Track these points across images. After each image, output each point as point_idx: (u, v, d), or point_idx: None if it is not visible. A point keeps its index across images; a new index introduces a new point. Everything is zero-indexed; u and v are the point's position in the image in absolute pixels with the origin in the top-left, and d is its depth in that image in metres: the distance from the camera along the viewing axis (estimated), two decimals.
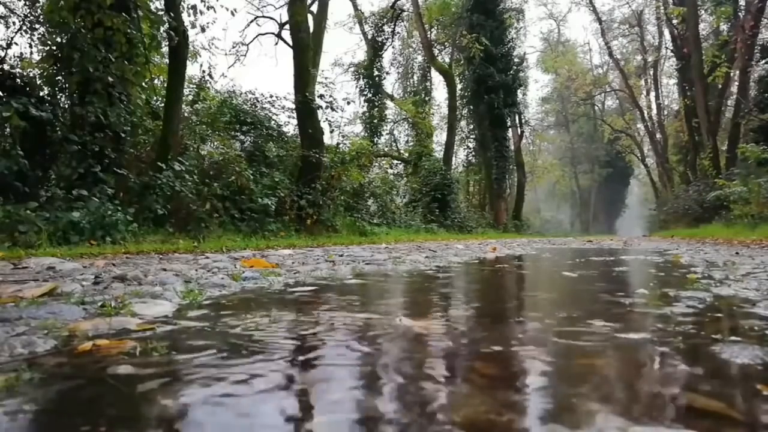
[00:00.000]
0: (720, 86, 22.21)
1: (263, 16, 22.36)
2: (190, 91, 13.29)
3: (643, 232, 35.16)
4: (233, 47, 22.26)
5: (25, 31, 8.72)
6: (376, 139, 25.34)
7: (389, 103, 28.46)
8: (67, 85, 8.06)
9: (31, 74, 8.29)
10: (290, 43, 14.23)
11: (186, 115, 11.48)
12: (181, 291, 2.11)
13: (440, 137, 30.70)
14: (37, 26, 8.75)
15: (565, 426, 0.74)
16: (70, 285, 2.28)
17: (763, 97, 18.29)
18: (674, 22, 25.88)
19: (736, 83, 22.34)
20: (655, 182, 37.94)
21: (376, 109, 26.25)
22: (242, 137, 13.53)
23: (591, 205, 54.58)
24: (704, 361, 1.12)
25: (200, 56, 14.40)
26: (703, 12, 24.45)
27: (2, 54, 8.14)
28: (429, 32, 26.37)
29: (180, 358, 1.13)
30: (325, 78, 15.82)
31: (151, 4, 9.15)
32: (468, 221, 22.69)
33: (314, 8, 16.69)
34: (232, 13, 11.08)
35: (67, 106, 8.13)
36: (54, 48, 7.96)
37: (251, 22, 22.43)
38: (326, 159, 12.67)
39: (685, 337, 1.35)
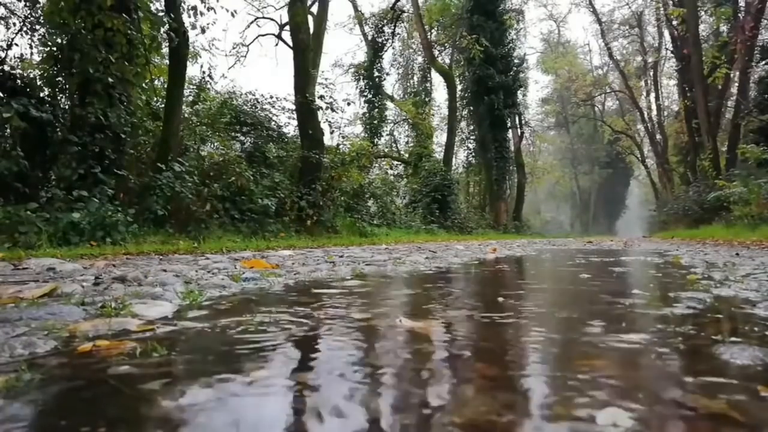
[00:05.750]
0: (720, 87, 22.19)
1: (263, 17, 22.42)
2: (190, 92, 13.31)
3: (643, 233, 35.14)
4: (233, 48, 22.38)
5: (26, 32, 8.73)
6: (376, 139, 25.37)
7: (389, 104, 28.49)
8: (67, 86, 8.07)
9: (31, 75, 8.30)
10: (290, 44, 14.25)
11: (186, 116, 11.49)
12: (181, 292, 2.11)
13: (440, 138, 30.76)
14: (37, 27, 8.76)
15: (565, 426, 0.74)
16: (70, 286, 2.28)
17: (762, 98, 18.29)
18: (674, 23, 25.86)
19: (736, 84, 22.34)
20: (655, 183, 37.92)
21: (376, 110, 26.29)
22: (242, 138, 13.56)
23: (591, 206, 54.62)
24: (704, 362, 1.13)
25: (200, 57, 14.42)
26: (703, 13, 24.43)
27: (3, 55, 8.15)
28: (429, 33, 26.38)
29: (180, 359, 1.13)
30: (326, 79, 15.80)
31: (151, 5, 9.16)
32: (468, 222, 22.69)
33: (314, 9, 16.71)
34: (233, 15, 11.10)
35: (67, 107, 8.13)
36: (54, 49, 7.97)
37: (251, 23, 22.51)
38: (326, 160, 12.68)
39: (686, 338, 1.35)
